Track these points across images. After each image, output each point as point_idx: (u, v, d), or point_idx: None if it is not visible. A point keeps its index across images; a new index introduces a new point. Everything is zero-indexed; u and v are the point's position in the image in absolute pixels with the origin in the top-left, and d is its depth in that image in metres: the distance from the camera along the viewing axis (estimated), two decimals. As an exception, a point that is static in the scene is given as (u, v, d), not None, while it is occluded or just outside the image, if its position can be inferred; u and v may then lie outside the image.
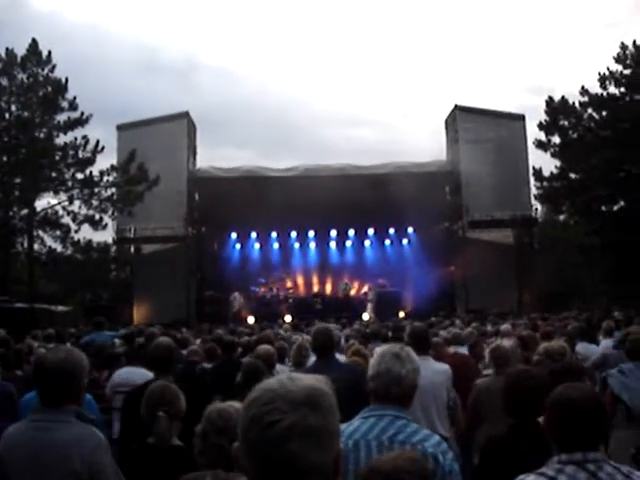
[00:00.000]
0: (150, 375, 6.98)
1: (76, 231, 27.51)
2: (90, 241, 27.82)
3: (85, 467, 3.10)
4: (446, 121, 31.60)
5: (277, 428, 1.34)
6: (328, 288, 31.63)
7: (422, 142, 55.84)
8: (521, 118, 30.30)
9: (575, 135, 29.37)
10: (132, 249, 29.37)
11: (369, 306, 28.32)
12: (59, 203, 27.53)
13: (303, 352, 8.89)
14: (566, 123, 29.57)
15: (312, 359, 8.48)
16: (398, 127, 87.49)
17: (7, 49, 27.74)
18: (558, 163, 29.94)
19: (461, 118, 29.75)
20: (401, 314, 26.00)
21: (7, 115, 27.58)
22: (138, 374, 7.33)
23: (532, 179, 29.57)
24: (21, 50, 27.86)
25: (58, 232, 27.34)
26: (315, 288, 31.57)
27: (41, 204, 27.91)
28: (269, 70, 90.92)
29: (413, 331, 6.18)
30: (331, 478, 1.41)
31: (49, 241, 27.73)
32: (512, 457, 3.23)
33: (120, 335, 12.86)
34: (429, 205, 26.20)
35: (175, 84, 75.37)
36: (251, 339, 9.34)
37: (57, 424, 3.24)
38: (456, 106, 30.44)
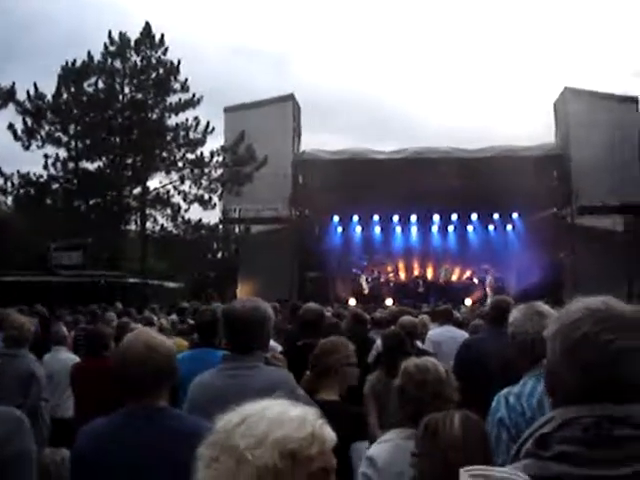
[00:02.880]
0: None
1: (186, 210, 28.33)
2: (200, 220, 28.52)
3: None
4: (555, 104, 30.77)
5: (612, 348, 1.39)
6: (429, 273, 31.36)
7: (527, 126, 54.26)
8: (634, 101, 29.13)
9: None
10: (237, 229, 29.93)
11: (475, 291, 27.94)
12: (170, 182, 28.38)
13: (422, 329, 9.00)
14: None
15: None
16: (500, 112, 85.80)
17: (120, 33, 28.59)
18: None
19: (571, 100, 28.88)
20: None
21: (121, 97, 28.49)
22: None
23: (645, 164, 28.48)
24: (134, 34, 28.75)
25: (169, 211, 28.20)
26: (416, 272, 31.35)
27: (153, 183, 28.87)
28: (362, 58, 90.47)
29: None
30: None
31: (160, 219, 28.66)
32: None
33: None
34: (536, 190, 25.59)
35: (273, 72, 76.07)
36: (382, 315, 9.44)
37: (248, 370, 3.34)
38: (566, 88, 29.60)
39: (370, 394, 5.77)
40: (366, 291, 28.93)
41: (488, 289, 27.48)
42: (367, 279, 29.69)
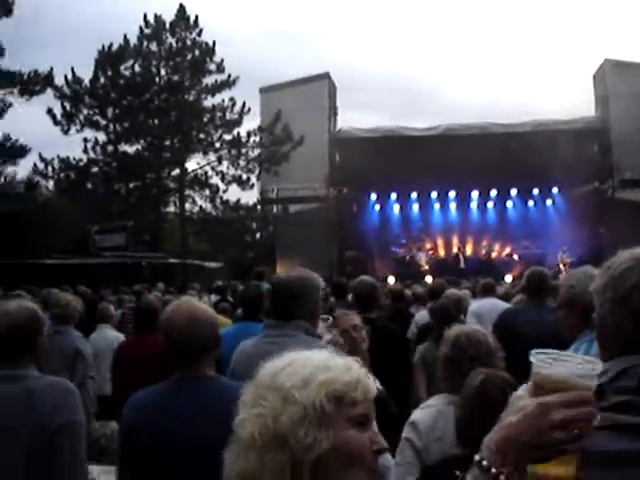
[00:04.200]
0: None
1: (224, 191, 28.51)
2: (238, 201, 28.64)
3: None
4: (594, 76, 30.20)
5: None
6: (469, 249, 31.08)
7: (566, 100, 53.27)
8: (675, 70, 28.42)
9: None
10: (275, 209, 30.01)
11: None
12: (208, 164, 28.54)
13: (464, 304, 8.96)
14: None
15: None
16: (538, 86, 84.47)
17: (155, 15, 28.75)
18: None
19: (611, 72, 28.30)
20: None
21: (157, 79, 28.65)
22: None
23: (689, 135, 27.87)
24: (169, 16, 28.85)
25: (207, 192, 28.39)
26: (455, 249, 31.08)
27: (191, 165, 29.07)
28: (395, 34, 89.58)
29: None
30: None
31: (199, 201, 28.88)
32: None
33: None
34: (576, 164, 25.17)
35: (306, 52, 75.84)
36: (422, 290, 9.44)
37: (285, 338, 3.24)
38: (606, 60, 29.03)
39: (419, 364, 5.80)
40: (425, 268, 28.55)
41: (561, 265, 26.70)
42: (405, 257, 29.39)
